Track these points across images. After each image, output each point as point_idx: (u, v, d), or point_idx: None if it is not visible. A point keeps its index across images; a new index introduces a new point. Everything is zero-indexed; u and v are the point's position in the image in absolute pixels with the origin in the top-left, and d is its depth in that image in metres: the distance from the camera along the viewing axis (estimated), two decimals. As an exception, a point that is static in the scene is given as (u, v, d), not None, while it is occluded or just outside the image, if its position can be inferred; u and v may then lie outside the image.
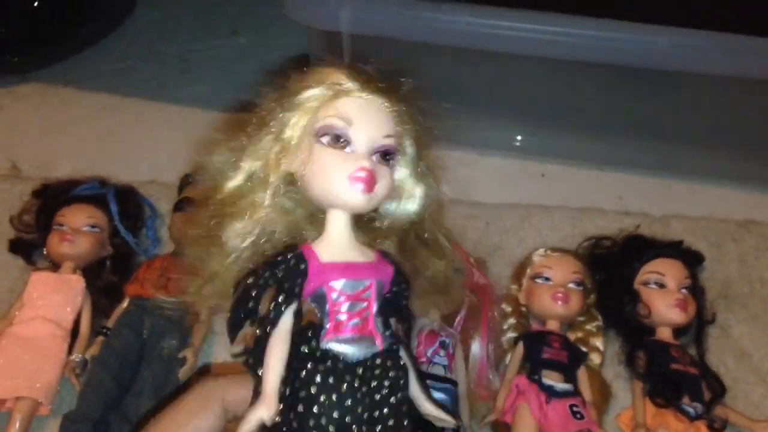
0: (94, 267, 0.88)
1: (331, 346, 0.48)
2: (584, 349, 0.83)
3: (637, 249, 0.87)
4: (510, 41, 0.95)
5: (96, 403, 0.76)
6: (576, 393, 0.77)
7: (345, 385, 0.47)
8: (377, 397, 0.48)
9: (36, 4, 1.21)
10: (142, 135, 1.16)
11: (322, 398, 0.46)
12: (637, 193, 1.06)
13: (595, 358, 0.83)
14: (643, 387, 0.79)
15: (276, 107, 0.53)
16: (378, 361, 0.49)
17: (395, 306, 0.52)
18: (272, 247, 0.53)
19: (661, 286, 0.83)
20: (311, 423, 0.46)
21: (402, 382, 0.49)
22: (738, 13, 0.88)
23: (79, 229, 0.87)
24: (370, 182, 0.50)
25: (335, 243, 0.52)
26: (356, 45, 1.09)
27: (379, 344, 0.49)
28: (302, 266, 0.50)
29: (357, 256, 0.52)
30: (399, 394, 0.49)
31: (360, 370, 0.48)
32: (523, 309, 0.86)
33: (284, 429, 0.46)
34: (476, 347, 0.81)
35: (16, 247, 0.92)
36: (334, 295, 0.49)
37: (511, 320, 0.86)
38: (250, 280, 0.50)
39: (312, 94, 0.52)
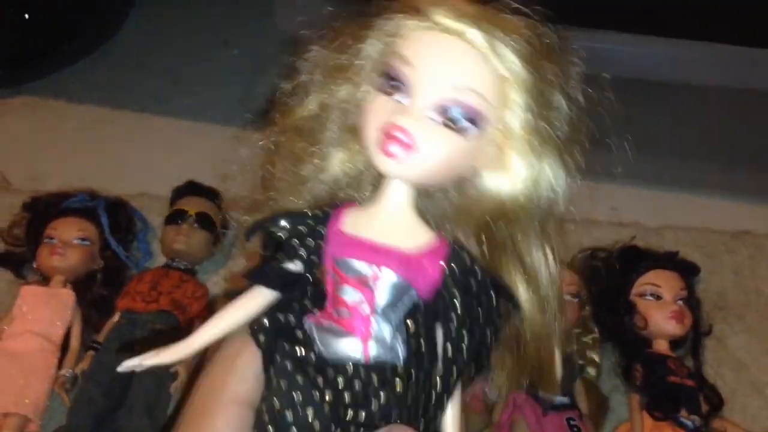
0: (84, 280, 0.87)
1: (309, 327, 0.40)
2: (581, 361, 0.82)
3: (633, 260, 0.86)
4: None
5: (86, 419, 0.75)
6: (573, 406, 0.77)
7: (305, 380, 0.38)
8: (347, 416, 0.38)
9: (27, 16, 1.20)
10: (133, 147, 1.15)
11: (281, 383, 0.38)
12: (632, 205, 1.05)
13: (591, 371, 0.82)
14: (640, 400, 0.78)
15: (353, 33, 0.42)
16: (361, 373, 0.38)
17: (437, 320, 0.39)
18: (355, 190, 0.44)
19: (658, 297, 0.82)
20: (268, 404, 0.38)
21: (388, 414, 0.38)
22: (732, 24, 0.88)
23: (69, 242, 0.86)
24: (404, 146, 0.38)
25: (374, 212, 0.41)
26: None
27: (365, 353, 0.39)
28: (320, 230, 0.40)
29: (394, 236, 0.40)
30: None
31: (331, 373, 0.38)
32: (519, 321, 0.85)
33: None
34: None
35: (6, 260, 0.91)
36: (333, 274, 0.40)
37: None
38: (268, 224, 0.42)
39: (390, 21, 0.41)
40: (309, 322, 0.40)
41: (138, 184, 1.04)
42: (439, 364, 0.39)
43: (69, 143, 1.16)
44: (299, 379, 0.38)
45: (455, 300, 0.39)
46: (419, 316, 0.39)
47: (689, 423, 0.75)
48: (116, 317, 0.84)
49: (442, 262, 0.40)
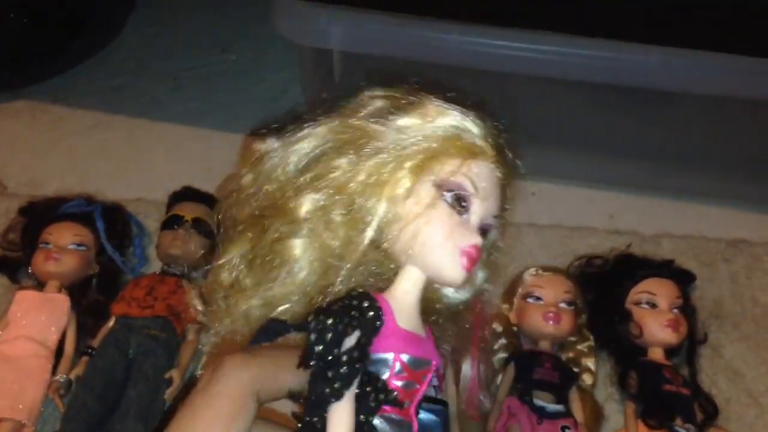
0: (79, 286, 0.87)
1: (375, 421, 0.42)
2: (576, 369, 0.82)
3: (629, 268, 0.86)
4: (499, 59, 0.95)
5: (80, 424, 0.75)
6: (568, 414, 0.77)
7: None
8: None
9: (26, 20, 1.20)
10: (132, 152, 1.15)
11: None
12: (628, 212, 1.06)
13: (586, 379, 0.82)
14: (635, 408, 0.78)
15: (374, 123, 0.46)
16: None
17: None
18: (342, 283, 0.47)
19: (653, 306, 0.82)
20: None
21: None
22: (728, 32, 0.88)
23: (65, 248, 0.86)
24: (476, 262, 0.45)
25: (405, 306, 0.45)
26: (347, 62, 1.09)
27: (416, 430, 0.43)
28: (378, 323, 0.43)
29: (419, 328, 0.46)
30: None
31: None
32: (514, 329, 0.85)
33: None
34: (467, 368, 0.80)
35: (1, 265, 0.91)
36: (398, 367, 0.43)
37: (502, 340, 0.85)
38: (329, 321, 0.41)
39: (442, 125, 0.46)
40: (379, 417, 0.42)
41: (135, 189, 1.04)
42: None
43: (67, 147, 1.16)
44: None
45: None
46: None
47: (684, 432, 0.75)
48: (111, 323, 0.84)
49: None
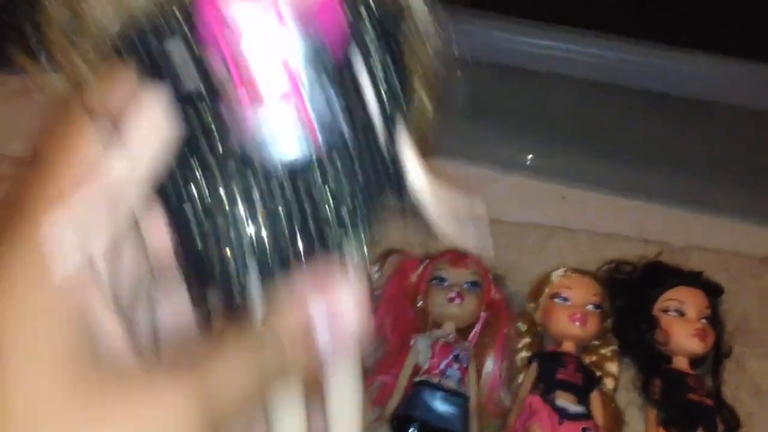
0: None
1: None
2: (598, 373, 0.82)
3: (658, 276, 0.86)
4: (531, 58, 0.95)
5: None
6: (589, 416, 0.76)
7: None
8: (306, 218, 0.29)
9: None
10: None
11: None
12: (659, 223, 1.05)
13: (608, 383, 0.82)
14: (657, 415, 0.78)
15: None
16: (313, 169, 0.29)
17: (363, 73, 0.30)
18: None
19: (681, 314, 0.82)
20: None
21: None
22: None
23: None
24: None
25: None
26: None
27: (315, 141, 0.28)
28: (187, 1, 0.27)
29: None
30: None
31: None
32: (539, 329, 0.85)
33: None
34: (490, 363, 0.80)
35: None
36: (237, 46, 0.27)
37: (526, 339, 0.85)
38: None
39: None
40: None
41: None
42: (376, 118, 0.31)
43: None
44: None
45: (367, 39, 0.30)
46: (345, 76, 0.30)
47: (706, 441, 0.75)
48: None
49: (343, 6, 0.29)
